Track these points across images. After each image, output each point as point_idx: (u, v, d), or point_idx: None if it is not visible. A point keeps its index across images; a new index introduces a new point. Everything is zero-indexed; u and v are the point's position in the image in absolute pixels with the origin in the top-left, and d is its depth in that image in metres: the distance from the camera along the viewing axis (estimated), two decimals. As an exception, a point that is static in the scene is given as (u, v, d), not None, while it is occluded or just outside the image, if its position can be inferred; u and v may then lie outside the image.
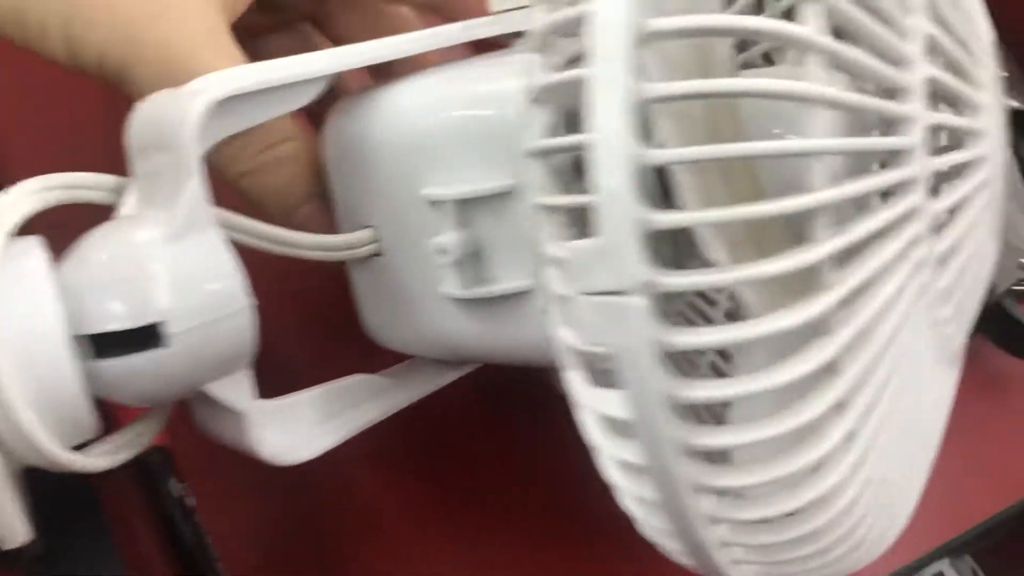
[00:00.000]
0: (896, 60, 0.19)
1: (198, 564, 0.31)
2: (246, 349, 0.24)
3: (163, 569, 0.31)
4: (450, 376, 0.30)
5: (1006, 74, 0.42)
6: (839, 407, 0.19)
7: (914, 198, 0.20)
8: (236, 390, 0.25)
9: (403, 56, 0.27)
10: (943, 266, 0.22)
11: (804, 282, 0.18)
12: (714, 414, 0.26)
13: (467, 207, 0.24)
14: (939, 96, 0.22)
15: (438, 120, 0.25)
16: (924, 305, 0.21)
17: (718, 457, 0.26)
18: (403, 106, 0.26)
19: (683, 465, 0.18)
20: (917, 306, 0.20)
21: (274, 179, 0.27)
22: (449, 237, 0.24)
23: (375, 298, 0.28)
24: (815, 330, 0.18)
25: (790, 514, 0.20)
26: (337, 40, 0.33)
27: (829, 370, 0.19)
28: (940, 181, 0.21)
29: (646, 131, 0.17)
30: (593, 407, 0.19)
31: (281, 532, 0.33)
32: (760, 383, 0.18)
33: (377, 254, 0.27)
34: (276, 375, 0.33)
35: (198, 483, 0.32)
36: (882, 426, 0.20)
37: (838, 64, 0.18)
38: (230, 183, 0.27)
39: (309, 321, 0.36)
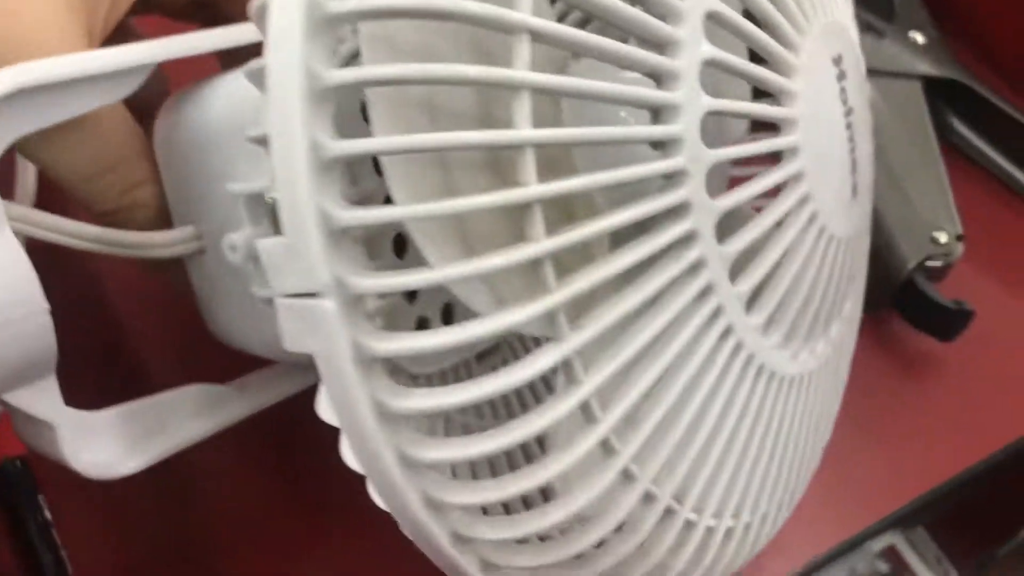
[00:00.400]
0: (658, 43, 0.18)
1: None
2: (46, 355, 0.23)
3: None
4: (300, 382, 0.29)
5: (924, 39, 0.40)
6: (585, 412, 0.18)
7: (685, 192, 0.18)
8: (42, 399, 0.24)
9: (225, 47, 0.26)
10: (743, 270, 0.20)
11: (532, 286, 0.17)
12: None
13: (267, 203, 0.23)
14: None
15: (240, 113, 0.24)
16: (708, 311, 0.19)
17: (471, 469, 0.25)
18: (213, 99, 0.25)
19: (408, 478, 0.17)
20: (699, 311, 0.19)
21: (136, 218, 0.26)
22: (240, 234, 0.23)
23: (209, 297, 0.27)
24: (549, 336, 0.17)
25: (542, 538, 0.19)
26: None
27: (567, 376, 0.17)
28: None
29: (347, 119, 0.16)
30: (325, 415, 0.18)
31: (144, 544, 0.32)
32: (478, 390, 0.16)
33: (203, 251, 0.26)
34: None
35: (57, 495, 0.31)
36: (660, 434, 0.19)
37: (564, 47, 0.17)
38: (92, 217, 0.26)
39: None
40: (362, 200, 0.21)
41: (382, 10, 0.15)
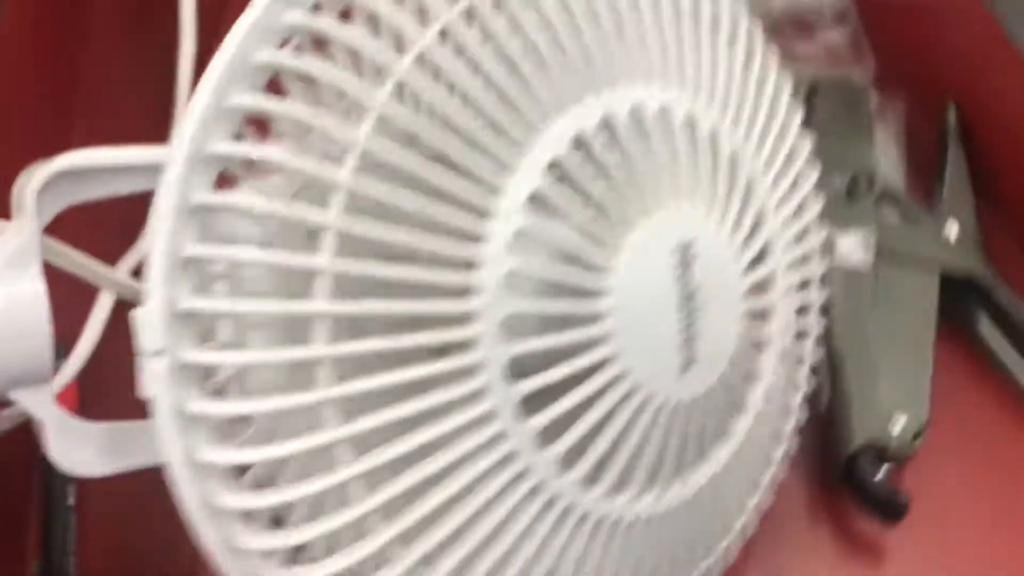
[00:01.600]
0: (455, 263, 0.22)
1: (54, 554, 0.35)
2: (44, 369, 0.28)
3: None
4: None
5: (958, 233, 0.40)
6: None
7: (480, 381, 0.22)
8: (37, 399, 0.29)
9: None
10: (559, 434, 0.23)
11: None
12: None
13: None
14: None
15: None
16: (522, 495, 0.23)
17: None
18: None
19: (218, 528, 0.21)
20: (513, 494, 0.23)
21: None
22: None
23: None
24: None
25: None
26: None
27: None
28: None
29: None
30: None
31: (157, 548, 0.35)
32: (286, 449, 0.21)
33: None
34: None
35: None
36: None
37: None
38: None
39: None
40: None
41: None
